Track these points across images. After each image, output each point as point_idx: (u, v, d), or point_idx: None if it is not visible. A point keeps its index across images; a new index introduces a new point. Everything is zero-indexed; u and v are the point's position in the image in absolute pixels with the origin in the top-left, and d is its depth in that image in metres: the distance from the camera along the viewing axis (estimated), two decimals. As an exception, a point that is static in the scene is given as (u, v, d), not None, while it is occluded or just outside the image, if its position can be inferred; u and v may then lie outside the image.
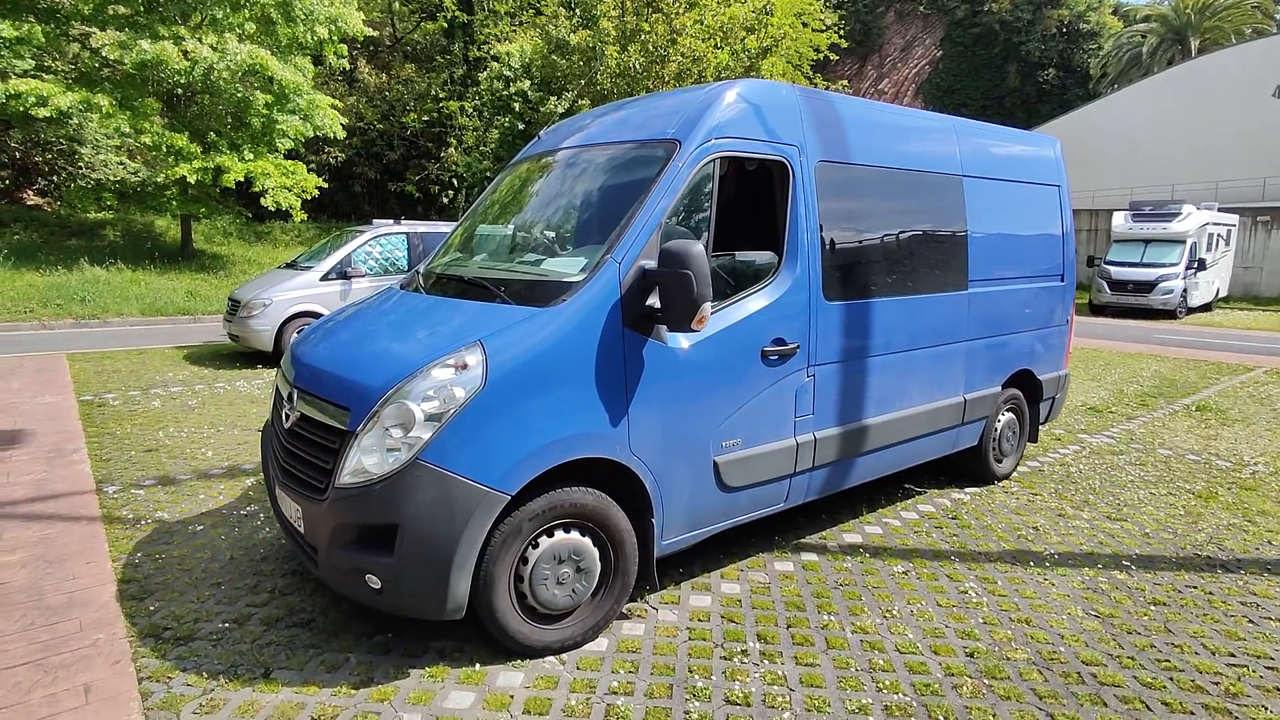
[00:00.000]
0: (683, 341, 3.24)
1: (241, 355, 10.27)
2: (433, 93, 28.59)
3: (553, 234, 3.71)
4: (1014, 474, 5.59)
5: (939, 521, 4.66)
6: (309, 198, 18.43)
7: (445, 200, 28.61)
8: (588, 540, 3.08)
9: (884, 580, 3.80)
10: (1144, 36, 41.01)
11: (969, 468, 5.34)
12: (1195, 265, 18.97)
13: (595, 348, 2.99)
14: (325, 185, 19.55)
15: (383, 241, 10.49)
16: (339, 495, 2.81)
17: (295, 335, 3.91)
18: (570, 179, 3.89)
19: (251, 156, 17.14)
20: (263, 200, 17.57)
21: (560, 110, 20.09)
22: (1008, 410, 5.39)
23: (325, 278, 9.89)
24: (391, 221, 11.22)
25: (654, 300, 3.12)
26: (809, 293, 3.73)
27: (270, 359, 9.72)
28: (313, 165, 23.55)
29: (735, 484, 3.53)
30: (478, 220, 4.33)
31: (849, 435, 4.07)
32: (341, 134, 18.55)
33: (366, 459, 2.76)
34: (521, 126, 22.08)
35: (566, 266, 3.28)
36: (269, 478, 3.55)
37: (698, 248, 2.93)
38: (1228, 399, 8.75)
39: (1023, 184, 5.25)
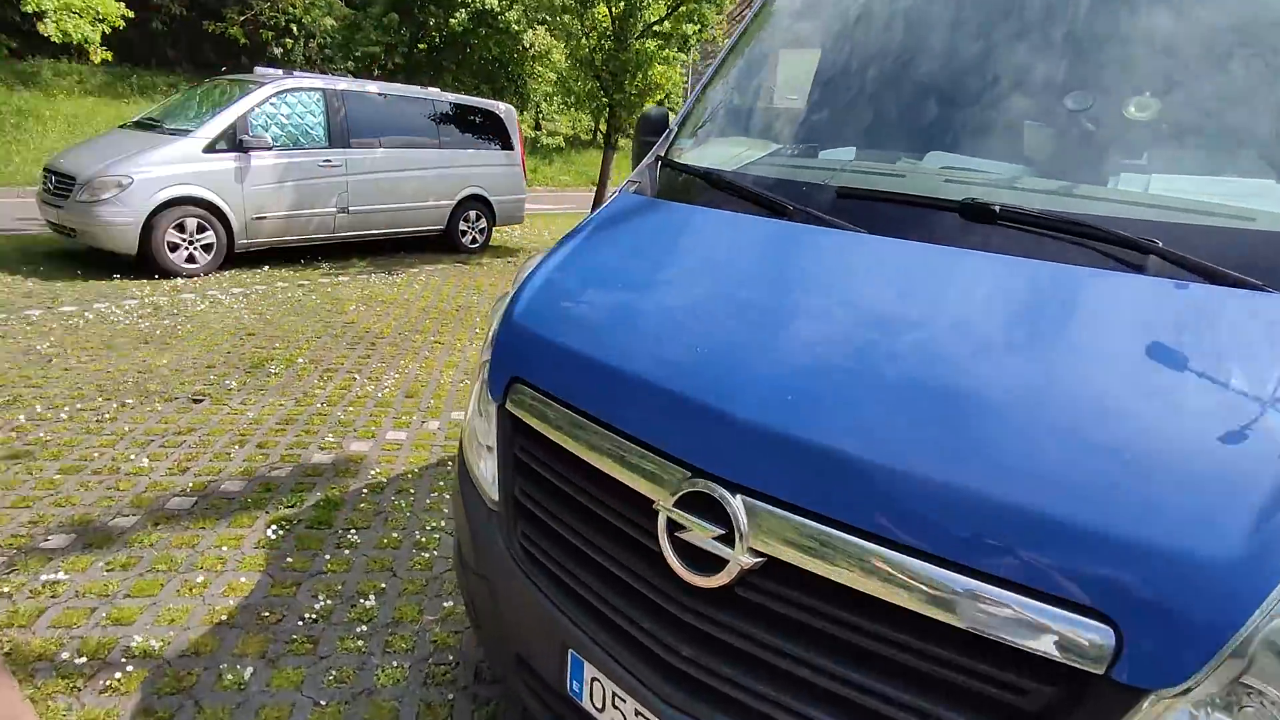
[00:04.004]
0: None
1: (75, 256, 7.02)
2: (259, -94, 22.49)
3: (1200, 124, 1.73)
4: None
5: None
6: (110, 30, 13.62)
7: (279, 51, 23.25)
8: None
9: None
10: None
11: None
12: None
13: None
14: (130, 15, 14.58)
15: (289, 100, 7.44)
16: None
17: (522, 308, 1.66)
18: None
19: (17, -41, 12.10)
20: (40, 26, 12.64)
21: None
22: None
23: (212, 148, 6.81)
24: (280, 73, 8.05)
25: None
26: None
27: (131, 266, 6.66)
28: (96, -15, 17.72)
29: None
30: (825, 72, 2.24)
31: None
32: (156, -58, 13.66)
33: None
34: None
35: None
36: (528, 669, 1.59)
37: None
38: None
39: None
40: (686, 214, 1.94)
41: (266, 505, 3.07)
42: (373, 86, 8.34)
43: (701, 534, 1.24)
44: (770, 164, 2.11)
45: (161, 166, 6.48)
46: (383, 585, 2.60)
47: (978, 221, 1.50)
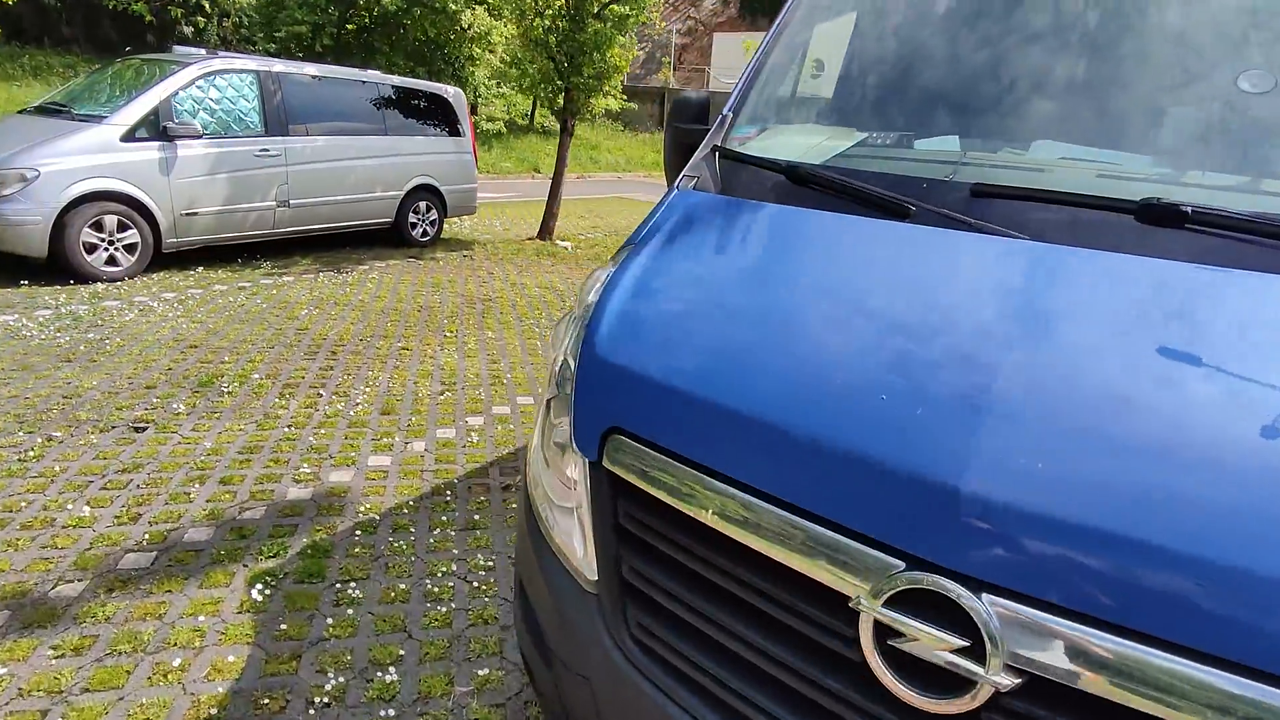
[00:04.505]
0: None
1: (-27, 261, 6.19)
2: (160, -128, 20.81)
3: None
4: None
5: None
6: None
7: (189, 30, 21.67)
8: None
9: None
10: None
11: None
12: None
13: None
14: (19, -13, 13.20)
15: (218, 83, 6.74)
16: None
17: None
18: None
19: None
20: (-87, -1, 11.30)
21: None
22: None
23: (131, 136, 6.08)
24: (204, 52, 7.31)
25: None
26: None
27: (41, 270, 5.91)
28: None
29: None
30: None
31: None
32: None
33: None
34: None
35: None
36: None
37: None
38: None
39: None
40: (786, 217, 1.63)
41: (243, 556, 2.63)
42: (310, 68, 7.66)
43: (935, 645, 0.95)
44: (864, 156, 1.81)
45: (73, 157, 5.73)
46: (400, 651, 2.22)
47: (1161, 225, 1.24)
